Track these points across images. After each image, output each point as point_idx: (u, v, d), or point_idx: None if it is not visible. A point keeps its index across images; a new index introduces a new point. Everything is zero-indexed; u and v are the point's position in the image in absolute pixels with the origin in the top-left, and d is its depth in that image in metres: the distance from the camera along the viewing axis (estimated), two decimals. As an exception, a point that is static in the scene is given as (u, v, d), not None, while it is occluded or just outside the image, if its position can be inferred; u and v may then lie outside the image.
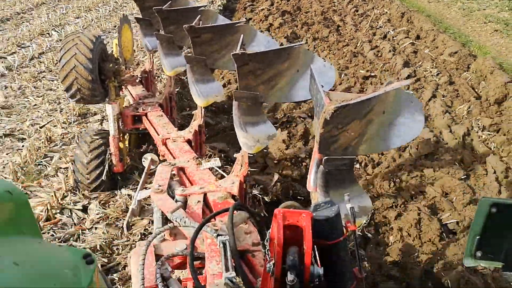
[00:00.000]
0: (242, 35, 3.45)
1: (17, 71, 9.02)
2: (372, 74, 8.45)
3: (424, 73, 8.35)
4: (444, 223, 4.62)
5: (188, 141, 4.40)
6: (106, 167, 4.93)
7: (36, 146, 6.15)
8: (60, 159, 5.85)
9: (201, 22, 4.07)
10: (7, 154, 6.16)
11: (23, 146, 6.31)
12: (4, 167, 5.75)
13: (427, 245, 4.28)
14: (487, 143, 6.15)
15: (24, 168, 5.73)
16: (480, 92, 7.57)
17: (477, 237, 1.50)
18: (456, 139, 6.17)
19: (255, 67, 3.22)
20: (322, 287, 1.74)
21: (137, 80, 6.07)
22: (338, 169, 2.33)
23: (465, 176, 5.37)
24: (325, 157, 2.31)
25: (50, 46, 10.37)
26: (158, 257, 2.69)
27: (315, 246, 1.67)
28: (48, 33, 11.36)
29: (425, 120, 6.35)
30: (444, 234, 4.43)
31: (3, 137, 6.62)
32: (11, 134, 6.72)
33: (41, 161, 5.87)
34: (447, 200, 4.92)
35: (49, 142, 6.35)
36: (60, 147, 6.25)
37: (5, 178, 5.45)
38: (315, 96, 2.49)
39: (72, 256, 1.45)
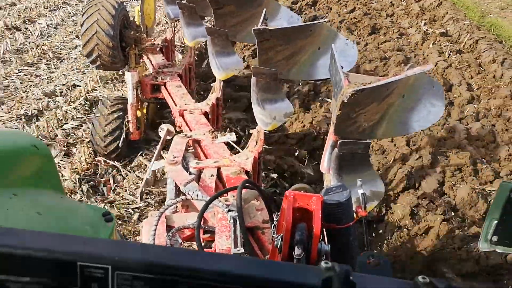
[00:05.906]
0: (264, 9, 3.40)
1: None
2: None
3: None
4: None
5: (205, 114, 4.39)
6: (123, 133, 4.97)
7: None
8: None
9: (224, -7, 4.01)
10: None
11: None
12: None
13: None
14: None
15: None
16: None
17: (495, 222, 1.47)
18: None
19: (275, 43, 3.18)
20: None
21: (158, 49, 6.05)
22: (352, 153, 2.31)
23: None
24: (340, 140, 2.29)
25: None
26: (169, 228, 2.72)
27: (323, 229, 1.67)
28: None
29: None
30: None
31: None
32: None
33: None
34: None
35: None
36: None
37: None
38: (334, 77, 2.46)
39: (92, 213, 1.49)
